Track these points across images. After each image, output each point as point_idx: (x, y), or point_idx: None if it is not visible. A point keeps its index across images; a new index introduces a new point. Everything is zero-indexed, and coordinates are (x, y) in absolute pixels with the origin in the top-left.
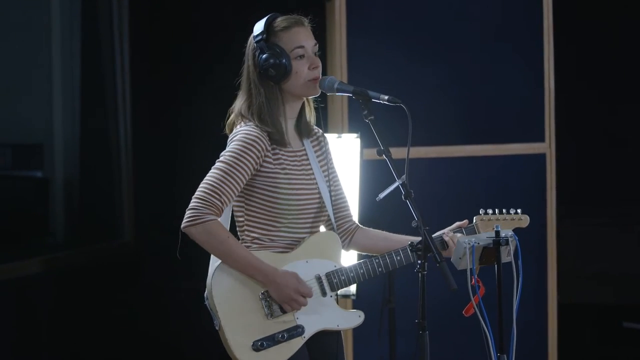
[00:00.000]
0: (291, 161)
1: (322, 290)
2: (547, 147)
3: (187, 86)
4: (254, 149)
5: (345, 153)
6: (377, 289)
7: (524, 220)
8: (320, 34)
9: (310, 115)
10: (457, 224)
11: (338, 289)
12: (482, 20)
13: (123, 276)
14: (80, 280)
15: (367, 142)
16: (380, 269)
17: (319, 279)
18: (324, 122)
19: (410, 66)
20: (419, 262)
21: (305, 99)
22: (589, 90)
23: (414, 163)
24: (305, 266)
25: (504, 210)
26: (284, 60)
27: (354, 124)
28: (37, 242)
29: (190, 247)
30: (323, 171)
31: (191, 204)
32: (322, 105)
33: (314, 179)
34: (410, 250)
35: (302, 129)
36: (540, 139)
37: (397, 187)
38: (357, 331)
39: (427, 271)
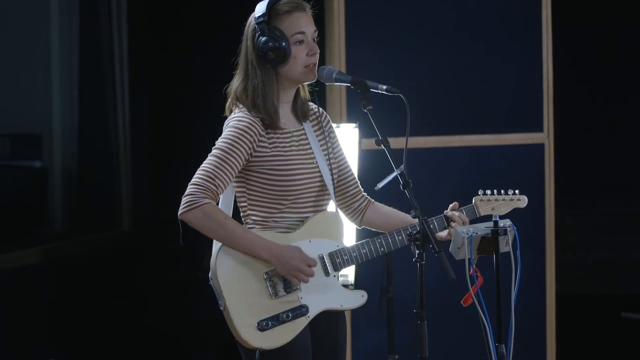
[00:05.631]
0: (288, 143)
1: (325, 270)
2: (545, 137)
3: (185, 76)
4: (247, 134)
5: (344, 143)
6: (375, 279)
7: (522, 201)
8: (319, 23)
9: (305, 96)
10: (452, 206)
11: (341, 269)
12: (480, 10)
13: (121, 266)
14: (79, 270)
15: (366, 131)
16: (382, 249)
17: (322, 258)
18: None
19: (408, 56)
20: (417, 252)
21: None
22: (587, 80)
23: (413, 153)
24: (308, 246)
25: (502, 191)
26: (283, 44)
27: (353, 114)
28: (35, 231)
29: (189, 236)
30: (323, 150)
31: (187, 191)
32: (317, 90)
33: (314, 158)
34: (409, 240)
35: (299, 111)
36: (539, 129)
37: (396, 176)
38: (355, 321)
39: (426, 261)
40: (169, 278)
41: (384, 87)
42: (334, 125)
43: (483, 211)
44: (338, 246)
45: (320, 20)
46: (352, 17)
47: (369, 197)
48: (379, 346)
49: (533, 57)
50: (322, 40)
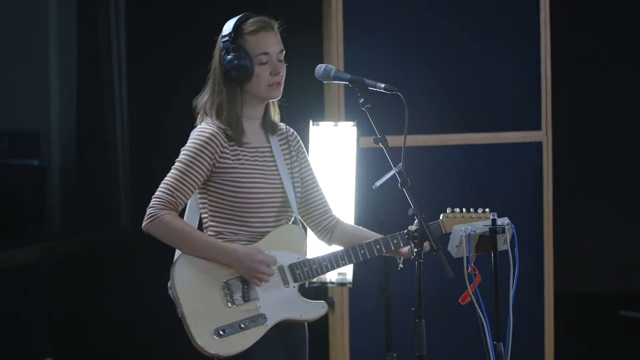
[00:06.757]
0: (251, 156)
1: (284, 281)
2: (543, 136)
3: (184, 75)
4: (208, 146)
5: (342, 141)
6: (373, 278)
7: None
8: (317, 22)
9: (275, 115)
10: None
11: (301, 280)
12: (479, 8)
13: (119, 264)
14: (77, 269)
15: (364, 130)
16: (343, 262)
17: (281, 269)
18: (320, 110)
19: (406, 54)
20: (416, 250)
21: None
22: (586, 78)
23: (411, 151)
24: None
25: (471, 209)
26: (246, 64)
27: (351, 112)
28: (33, 230)
29: None
30: (288, 168)
31: (150, 204)
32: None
33: (278, 174)
34: (407, 238)
35: (267, 127)
36: (537, 127)
37: (394, 175)
38: (353, 319)
39: (424, 259)
40: (166, 277)
41: (382, 85)
42: (331, 123)
43: (450, 228)
44: (299, 258)
45: (318, 18)
46: (350, 15)
47: (337, 217)
48: (377, 345)
49: (531, 55)
50: (320, 38)
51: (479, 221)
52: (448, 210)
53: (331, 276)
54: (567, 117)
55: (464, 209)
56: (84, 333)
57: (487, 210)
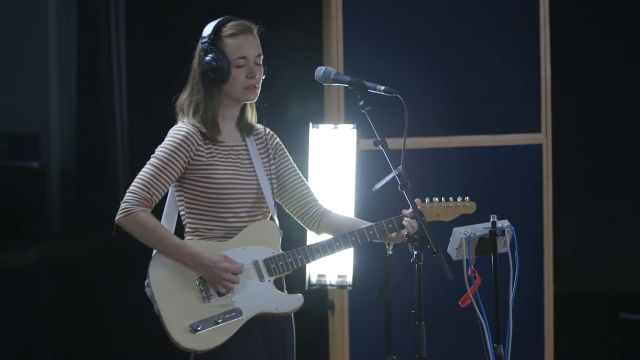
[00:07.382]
0: (225, 154)
1: (259, 275)
2: (543, 138)
3: (184, 76)
4: (184, 144)
5: (342, 143)
6: (373, 280)
7: (471, 207)
8: (317, 23)
9: (252, 116)
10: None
11: (276, 274)
12: (478, 11)
13: (119, 266)
14: (76, 271)
15: (364, 132)
16: (318, 254)
17: (256, 264)
18: (320, 112)
19: (406, 56)
20: (416, 252)
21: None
22: (585, 81)
23: (411, 154)
24: (242, 253)
25: (450, 198)
26: (224, 66)
27: (351, 115)
28: (33, 232)
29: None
30: (264, 165)
31: (124, 198)
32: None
33: (253, 171)
34: (407, 240)
35: (243, 128)
36: (537, 129)
37: (394, 177)
38: (353, 322)
39: (424, 262)
40: None
41: (382, 87)
42: (331, 125)
43: (428, 217)
44: (273, 252)
45: (318, 20)
46: (349, 17)
47: (326, 207)
48: (377, 347)
49: (531, 57)
50: (320, 40)
51: (458, 210)
52: (427, 200)
53: (331, 279)
54: (566, 119)
55: (442, 198)
56: (84, 334)
57: (466, 198)
